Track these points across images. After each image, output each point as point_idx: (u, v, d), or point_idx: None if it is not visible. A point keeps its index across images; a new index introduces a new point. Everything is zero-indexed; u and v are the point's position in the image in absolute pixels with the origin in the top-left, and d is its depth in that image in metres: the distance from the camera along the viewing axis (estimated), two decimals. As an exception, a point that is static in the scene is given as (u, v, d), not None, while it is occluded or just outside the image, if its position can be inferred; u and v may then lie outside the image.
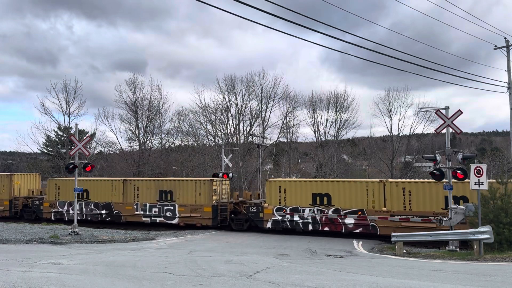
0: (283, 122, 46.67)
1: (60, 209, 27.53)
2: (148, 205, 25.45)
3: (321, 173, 43.39)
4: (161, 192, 25.32)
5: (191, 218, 24.42)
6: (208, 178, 25.86)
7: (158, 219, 25.12)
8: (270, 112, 46.32)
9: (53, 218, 27.57)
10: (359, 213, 20.75)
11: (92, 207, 26.78)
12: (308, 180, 23.21)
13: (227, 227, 24.00)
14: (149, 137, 47.61)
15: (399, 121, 42.92)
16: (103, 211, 26.47)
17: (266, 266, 10.82)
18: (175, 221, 24.74)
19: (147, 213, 25.34)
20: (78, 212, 26.55)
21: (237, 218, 23.94)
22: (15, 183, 29.47)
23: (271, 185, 22.86)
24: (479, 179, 14.51)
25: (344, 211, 21.09)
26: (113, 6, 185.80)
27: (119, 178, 27.52)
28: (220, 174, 28.52)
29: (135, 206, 25.69)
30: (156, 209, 25.16)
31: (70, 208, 26.76)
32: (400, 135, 44.01)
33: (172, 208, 24.87)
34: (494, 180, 16.73)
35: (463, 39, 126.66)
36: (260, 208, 22.90)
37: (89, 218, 26.74)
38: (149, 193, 25.59)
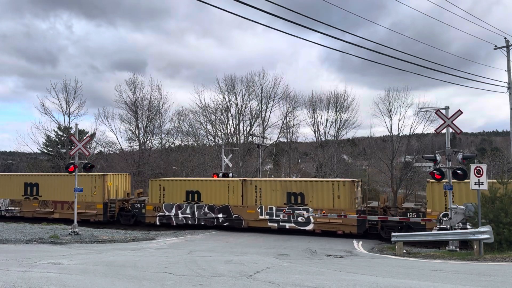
0: (283, 122, 46.85)
1: (167, 213, 25.00)
2: (274, 209, 22.70)
3: (321, 173, 43.39)
4: (289, 194, 22.57)
5: (331, 224, 21.44)
6: (349, 179, 22.72)
7: (288, 225, 22.37)
8: (270, 112, 46.54)
9: (158, 223, 25.15)
10: None
11: (206, 210, 24.20)
12: None
13: (374, 235, 21.03)
14: (149, 137, 47.78)
15: (399, 121, 42.88)
16: (220, 215, 23.85)
17: (266, 266, 10.81)
18: (310, 227, 21.92)
19: (274, 217, 22.62)
20: (190, 216, 24.62)
21: (387, 226, 20.62)
22: (108, 184, 26.91)
23: (432, 187, 19.68)
24: (479, 179, 14.50)
25: None
26: (112, 6, 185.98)
27: (237, 179, 24.95)
28: (220, 174, 28.51)
29: (259, 210, 22.99)
30: (285, 214, 22.57)
31: (179, 212, 24.78)
32: (400, 135, 43.99)
33: (305, 212, 22.13)
34: (494, 180, 16.66)
35: (463, 39, 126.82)
36: (420, 214, 19.83)
37: (202, 223, 24.21)
38: (274, 195, 22.85)
